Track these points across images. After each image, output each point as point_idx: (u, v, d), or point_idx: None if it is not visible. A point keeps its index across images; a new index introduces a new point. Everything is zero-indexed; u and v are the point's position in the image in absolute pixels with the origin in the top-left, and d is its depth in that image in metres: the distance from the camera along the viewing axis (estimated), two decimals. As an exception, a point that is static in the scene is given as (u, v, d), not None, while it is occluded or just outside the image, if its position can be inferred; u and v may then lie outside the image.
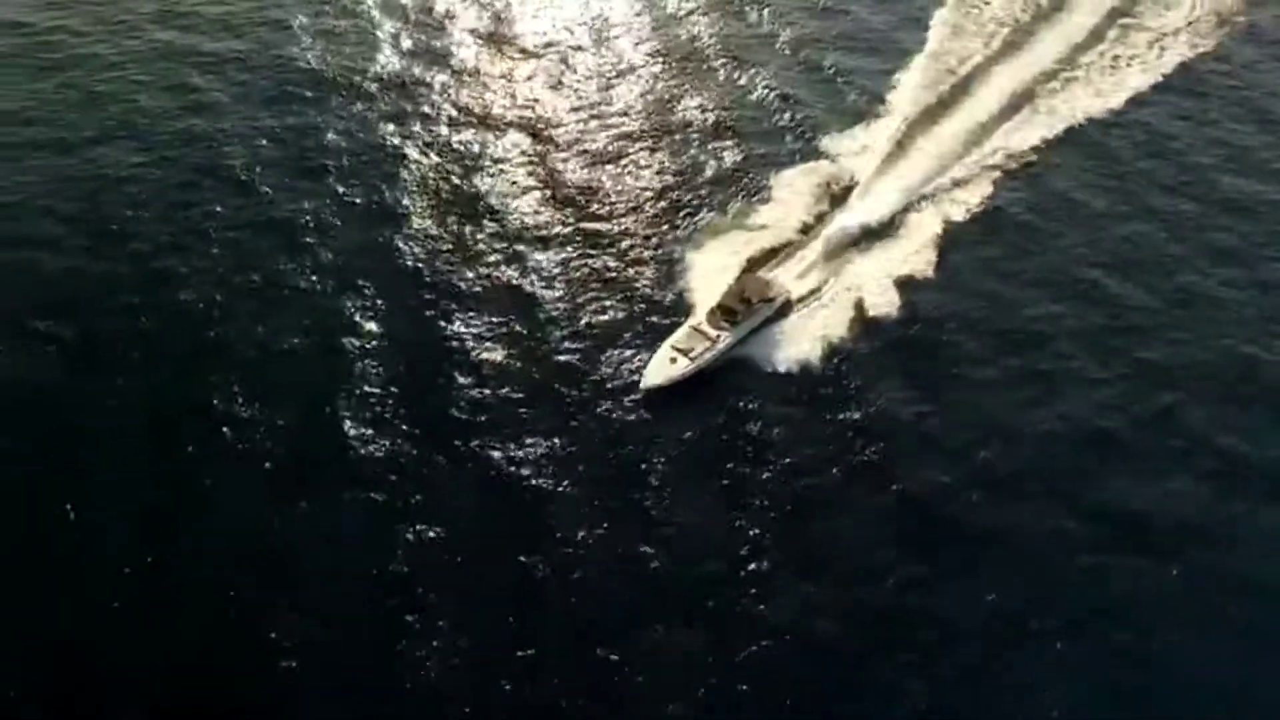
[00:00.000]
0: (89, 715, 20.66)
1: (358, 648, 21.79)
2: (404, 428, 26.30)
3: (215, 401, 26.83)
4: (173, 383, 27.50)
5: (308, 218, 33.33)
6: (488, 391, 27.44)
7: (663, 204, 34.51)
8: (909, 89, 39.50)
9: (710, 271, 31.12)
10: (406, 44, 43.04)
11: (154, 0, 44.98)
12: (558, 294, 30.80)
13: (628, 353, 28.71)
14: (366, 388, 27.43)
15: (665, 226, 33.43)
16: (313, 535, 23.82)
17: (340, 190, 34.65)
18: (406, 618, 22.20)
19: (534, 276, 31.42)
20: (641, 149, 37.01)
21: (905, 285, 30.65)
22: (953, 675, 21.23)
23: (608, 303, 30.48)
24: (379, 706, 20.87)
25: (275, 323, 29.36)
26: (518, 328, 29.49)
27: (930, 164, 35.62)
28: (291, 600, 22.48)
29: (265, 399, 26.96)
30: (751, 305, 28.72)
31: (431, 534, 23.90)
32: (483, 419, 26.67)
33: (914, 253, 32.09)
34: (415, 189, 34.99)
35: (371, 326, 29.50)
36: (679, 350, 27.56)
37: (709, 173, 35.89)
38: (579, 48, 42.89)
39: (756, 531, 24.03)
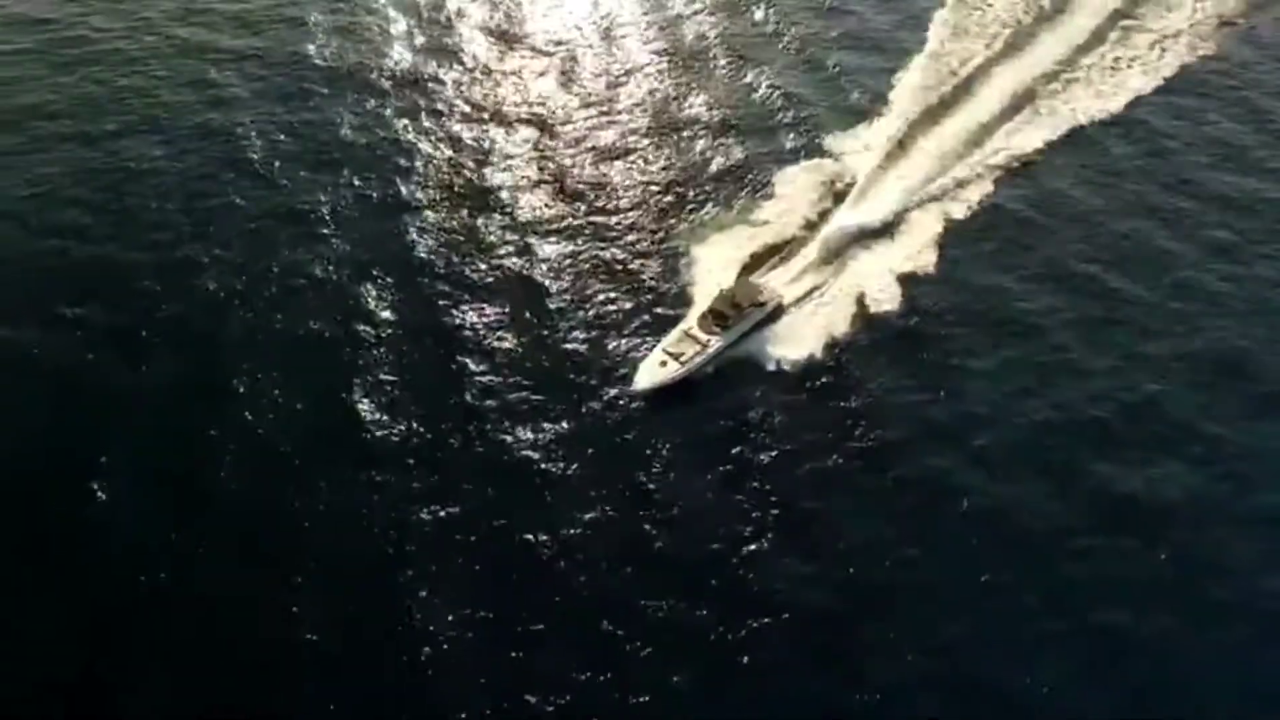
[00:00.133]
0: (113, 684, 21.53)
1: (372, 620, 22.69)
2: (417, 411, 27.20)
3: (235, 384, 27.82)
4: (194, 366, 28.48)
5: (324, 209, 34.32)
6: (498, 378, 28.31)
7: (668, 198, 35.32)
8: (911, 89, 40.06)
9: (714, 264, 31.90)
10: (419, 41, 43.98)
11: (173, -2, 46.30)
12: (566, 284, 31.67)
13: (634, 341, 29.55)
14: (381, 373, 28.36)
15: (671, 220, 34.22)
16: (329, 512, 24.74)
17: (355, 182, 35.62)
18: (421, 593, 23.10)
19: (543, 267, 32.30)
20: (648, 145, 37.83)
21: (906, 280, 31.34)
22: (944, 647, 22.00)
23: (614, 294, 31.32)
24: (393, 677, 21.73)
25: (293, 309, 30.34)
26: (527, 316, 30.37)
27: (931, 163, 36.17)
28: (308, 574, 23.40)
29: (284, 382, 27.92)
30: (742, 310, 29.02)
31: (443, 513, 24.78)
32: (493, 404, 27.55)
33: (915, 248, 32.72)
34: (428, 182, 35.95)
35: (386, 314, 30.45)
36: (669, 354, 27.95)
37: (714, 169, 36.67)
38: (588, 46, 43.72)
39: (758, 513, 24.84)
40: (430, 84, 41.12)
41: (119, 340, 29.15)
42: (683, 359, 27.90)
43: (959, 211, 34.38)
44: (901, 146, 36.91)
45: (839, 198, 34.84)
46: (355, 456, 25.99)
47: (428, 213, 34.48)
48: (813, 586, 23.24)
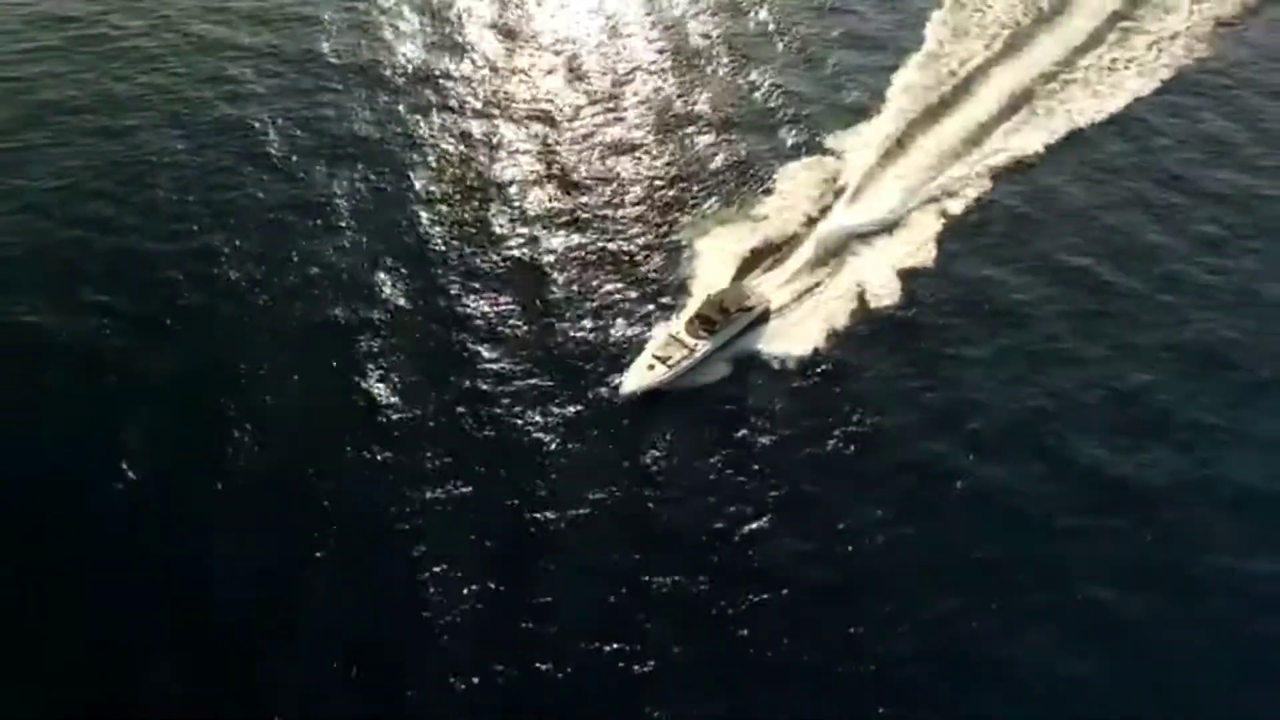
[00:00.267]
0: (134, 656, 22.36)
1: (388, 592, 23.63)
2: (430, 394, 28.14)
3: (254, 368, 28.80)
4: (214, 350, 29.46)
5: (339, 201, 35.36)
6: (507, 364, 29.24)
7: (672, 193, 36.24)
8: (910, 88, 40.86)
9: (716, 257, 32.80)
10: (431, 39, 45.04)
11: (191, -4, 47.46)
12: (572, 275, 32.60)
13: (638, 329, 30.45)
14: (395, 358, 29.31)
15: (674, 214, 35.10)
16: (345, 490, 25.65)
17: (369, 175, 36.65)
18: (435, 567, 24.00)
19: (550, 258, 33.23)
20: (652, 141, 38.76)
21: (905, 275, 32.12)
22: (938, 620, 22.84)
23: (619, 284, 32.22)
24: (405, 648, 22.63)
25: (309, 297, 31.34)
26: (535, 305, 31.30)
27: (930, 161, 36.90)
28: (326, 549, 24.32)
29: (301, 367, 28.89)
30: (730, 315, 29.30)
31: (456, 491, 25.72)
32: (503, 388, 28.48)
33: (914, 245, 33.42)
34: (439, 175, 36.95)
35: (399, 301, 31.43)
36: (657, 358, 28.29)
37: (716, 165, 37.56)
38: (594, 44, 44.72)
39: (758, 493, 25.68)
40: (441, 80, 42.18)
41: (142, 326, 30.17)
42: (670, 363, 28.17)
43: (957, 208, 35.11)
44: (900, 145, 37.65)
45: (838, 194, 35.60)
46: (371, 438, 26.90)
47: (439, 205, 35.48)
48: (811, 563, 24.08)
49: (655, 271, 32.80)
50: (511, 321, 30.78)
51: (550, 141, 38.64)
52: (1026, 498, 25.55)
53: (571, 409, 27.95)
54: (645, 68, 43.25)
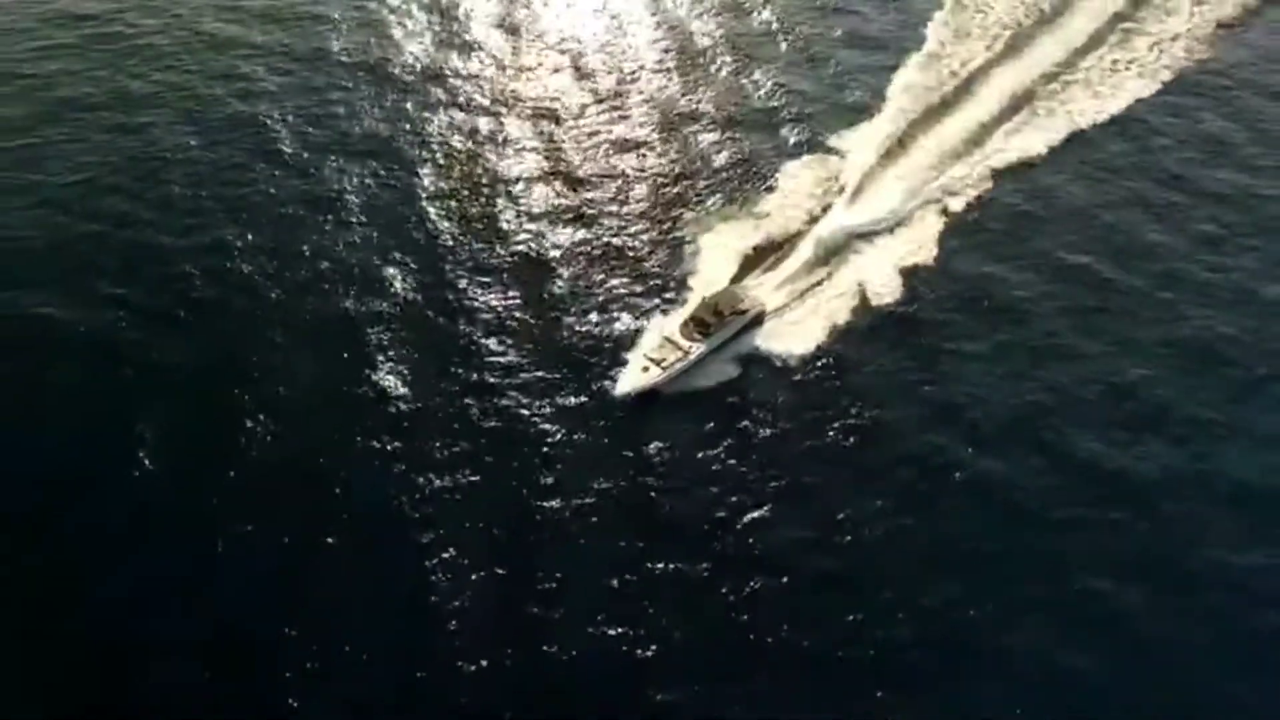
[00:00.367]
0: (147, 645, 22.87)
1: (398, 579, 24.15)
2: (438, 385, 28.67)
3: (266, 359, 29.37)
4: (227, 342, 30.05)
5: (350, 196, 35.94)
6: (514, 356, 29.76)
7: (675, 190, 36.71)
8: (913, 89, 41.17)
9: (718, 253, 33.24)
10: (440, 37, 45.62)
11: (204, -5, 48.17)
12: (577, 269, 33.10)
13: (642, 324, 30.91)
14: (404, 350, 29.86)
15: (678, 211, 35.55)
16: (356, 479, 26.20)
17: (379, 171, 37.22)
18: (444, 554, 24.51)
19: (556, 253, 33.75)
20: (656, 138, 39.22)
21: (905, 272, 32.51)
22: (935, 610, 23.24)
23: (623, 279, 32.69)
24: (414, 632, 23.17)
25: (320, 290, 31.91)
26: (541, 298, 31.81)
27: (931, 161, 37.24)
28: (337, 536, 24.87)
29: (312, 358, 29.46)
30: (724, 317, 29.47)
31: (463, 480, 26.22)
32: (510, 380, 28.99)
33: (916, 243, 33.77)
34: (447, 171, 37.50)
35: (408, 295, 31.98)
36: (651, 360, 28.48)
37: (719, 162, 37.98)
38: (599, 43, 45.24)
39: (760, 484, 26.10)
40: (449, 78, 42.75)
41: (157, 319, 30.78)
42: (664, 364, 28.37)
43: (958, 206, 35.47)
44: (901, 144, 37.98)
45: (839, 192, 36.04)
46: (381, 428, 27.42)
47: (447, 200, 36.02)
48: (812, 551, 24.51)
49: (659, 267, 33.29)
50: (518, 315, 31.31)
51: (556, 139, 39.17)
52: (1025, 490, 25.94)
53: (576, 400, 28.45)
54: (650, 66, 43.78)
